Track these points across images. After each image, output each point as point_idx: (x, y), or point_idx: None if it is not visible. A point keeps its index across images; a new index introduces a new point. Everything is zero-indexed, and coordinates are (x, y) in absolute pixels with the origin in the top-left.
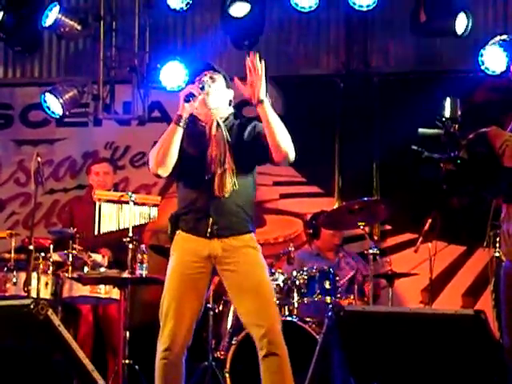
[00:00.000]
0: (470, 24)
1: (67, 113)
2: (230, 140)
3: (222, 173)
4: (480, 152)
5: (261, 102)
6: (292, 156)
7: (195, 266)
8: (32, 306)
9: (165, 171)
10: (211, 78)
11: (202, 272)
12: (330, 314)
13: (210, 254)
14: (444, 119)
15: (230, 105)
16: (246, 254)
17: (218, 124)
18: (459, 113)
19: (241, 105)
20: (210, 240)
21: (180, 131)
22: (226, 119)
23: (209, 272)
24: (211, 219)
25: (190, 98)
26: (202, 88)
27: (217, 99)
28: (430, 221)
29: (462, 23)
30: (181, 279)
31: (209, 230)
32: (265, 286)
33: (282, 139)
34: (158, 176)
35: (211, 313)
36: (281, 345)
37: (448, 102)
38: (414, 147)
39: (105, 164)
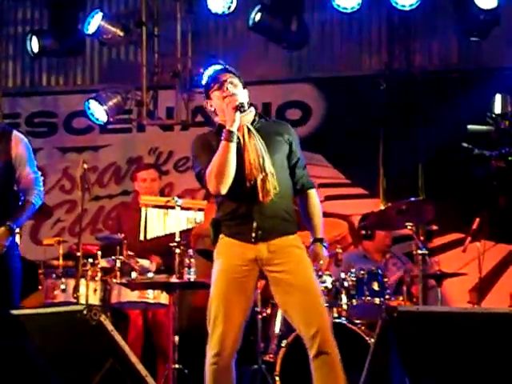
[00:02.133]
0: None
1: (111, 119)
2: (263, 143)
3: (264, 178)
4: None
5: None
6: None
7: (242, 269)
8: (85, 312)
9: (226, 189)
10: (231, 82)
11: (249, 275)
12: (383, 315)
13: (256, 256)
14: (494, 115)
15: (248, 104)
16: (291, 253)
17: (249, 129)
18: (510, 109)
19: None
20: (255, 244)
21: (234, 147)
22: (253, 122)
23: (255, 274)
24: (255, 224)
25: (243, 107)
26: (234, 92)
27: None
28: (477, 220)
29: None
30: (228, 283)
31: (253, 234)
32: (313, 285)
33: None
34: (219, 194)
35: (259, 316)
36: (332, 343)
37: (498, 99)
38: (465, 144)
39: (151, 170)
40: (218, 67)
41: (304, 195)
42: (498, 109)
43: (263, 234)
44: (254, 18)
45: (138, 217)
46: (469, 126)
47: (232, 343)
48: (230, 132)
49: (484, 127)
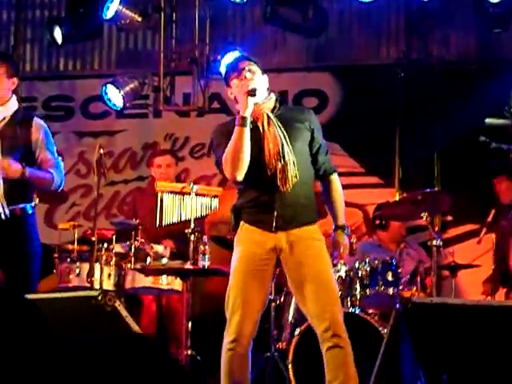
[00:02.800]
0: None
1: (127, 104)
2: (283, 131)
3: (283, 166)
4: None
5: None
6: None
7: (261, 257)
8: (100, 298)
9: (243, 175)
10: (249, 70)
11: (268, 264)
12: (397, 306)
13: (276, 245)
14: None
15: (268, 91)
16: (310, 245)
17: (268, 117)
18: None
19: None
20: (275, 233)
21: (248, 132)
22: (274, 108)
23: (274, 263)
24: (276, 212)
25: (255, 92)
26: (250, 77)
27: (261, 91)
28: (493, 211)
29: None
30: (247, 271)
31: (274, 223)
32: (329, 279)
33: None
34: (236, 181)
35: (273, 304)
36: (344, 337)
37: None
38: (482, 138)
39: (167, 156)
40: (237, 55)
41: (326, 180)
42: None
43: (283, 223)
44: (269, 11)
45: (154, 202)
46: (487, 120)
47: (249, 331)
48: (243, 118)
49: (502, 121)
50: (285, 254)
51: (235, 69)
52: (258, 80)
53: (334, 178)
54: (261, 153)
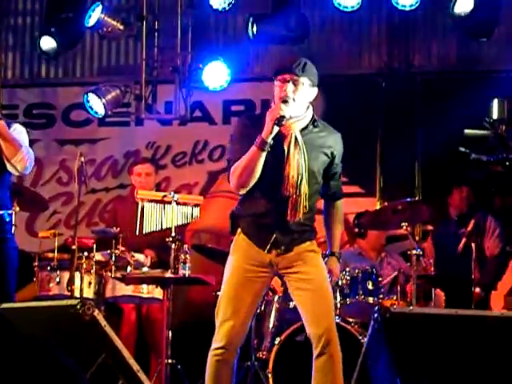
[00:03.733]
0: None
1: (109, 113)
2: (306, 160)
3: (297, 197)
4: None
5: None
6: None
7: (256, 269)
8: (79, 307)
9: (246, 190)
10: (294, 83)
11: (262, 276)
12: (376, 315)
13: (271, 261)
14: (492, 120)
15: (310, 104)
16: (306, 256)
17: (296, 140)
18: (506, 114)
19: None
20: (269, 253)
21: (263, 155)
22: (305, 128)
23: (269, 277)
24: (274, 236)
25: (281, 121)
26: (285, 102)
27: (298, 108)
28: (473, 221)
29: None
30: (240, 281)
31: (268, 246)
32: (326, 288)
33: None
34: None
35: None
36: (336, 346)
37: (496, 104)
38: (462, 149)
39: (147, 165)
40: (293, 62)
41: (331, 204)
42: (495, 114)
43: (278, 247)
44: (253, 32)
45: (134, 211)
46: (466, 131)
47: (238, 340)
48: (264, 141)
49: (481, 132)
50: (282, 268)
51: (281, 74)
52: (300, 95)
53: (339, 203)
54: (280, 175)
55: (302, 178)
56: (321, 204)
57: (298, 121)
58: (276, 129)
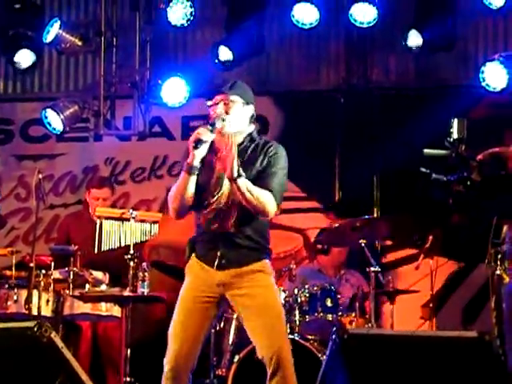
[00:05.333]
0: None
1: (68, 128)
2: (239, 173)
3: (228, 208)
4: (495, 174)
5: (234, 180)
6: (271, 214)
7: (205, 291)
8: (35, 329)
9: (183, 215)
10: (225, 103)
11: (212, 300)
12: (333, 337)
13: (219, 281)
14: (452, 140)
15: (250, 121)
16: (255, 277)
17: None
18: (466, 133)
19: None
20: (217, 271)
21: (193, 179)
22: (241, 144)
23: (218, 300)
24: (219, 252)
25: (198, 144)
26: (213, 125)
27: (232, 125)
28: (431, 237)
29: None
30: (190, 303)
31: (216, 262)
32: (274, 308)
33: (259, 206)
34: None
35: (212, 330)
36: (288, 366)
37: (455, 123)
38: (423, 169)
39: (105, 190)
40: (223, 83)
41: None
42: (455, 133)
43: (226, 263)
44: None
45: (90, 228)
46: (425, 150)
47: (186, 361)
48: (190, 165)
49: (440, 151)
50: (230, 288)
51: (211, 99)
52: (233, 113)
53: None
54: (215, 190)
55: (230, 191)
56: (277, 219)
57: (234, 137)
58: (197, 152)
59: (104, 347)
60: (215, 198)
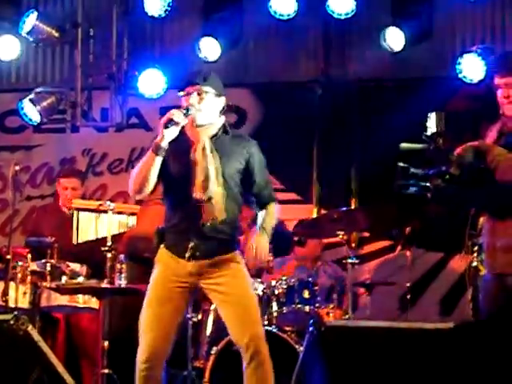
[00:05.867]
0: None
1: (45, 120)
2: (217, 162)
3: (207, 201)
4: (474, 167)
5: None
6: None
7: (176, 280)
8: (12, 322)
9: (142, 196)
10: (199, 93)
11: (183, 287)
12: (311, 329)
13: (191, 271)
14: (430, 134)
15: (221, 113)
16: (227, 267)
17: (204, 147)
18: (444, 127)
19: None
20: (188, 261)
21: (159, 160)
22: (214, 136)
23: (190, 287)
24: (191, 244)
25: (169, 124)
26: (187, 111)
27: (205, 117)
28: (408, 228)
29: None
30: (161, 292)
31: (187, 254)
32: (248, 298)
33: None
34: (133, 197)
35: (190, 322)
36: (264, 354)
37: (433, 117)
38: (401, 164)
39: (73, 179)
40: (195, 71)
41: (263, 209)
42: (433, 127)
43: (198, 255)
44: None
45: (60, 219)
46: (401, 144)
47: (160, 351)
48: (157, 145)
49: (417, 145)
50: (202, 278)
51: (185, 88)
52: (205, 104)
53: (270, 207)
54: (188, 180)
55: (210, 183)
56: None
57: (207, 128)
58: (166, 133)
59: (78, 339)
60: (189, 191)
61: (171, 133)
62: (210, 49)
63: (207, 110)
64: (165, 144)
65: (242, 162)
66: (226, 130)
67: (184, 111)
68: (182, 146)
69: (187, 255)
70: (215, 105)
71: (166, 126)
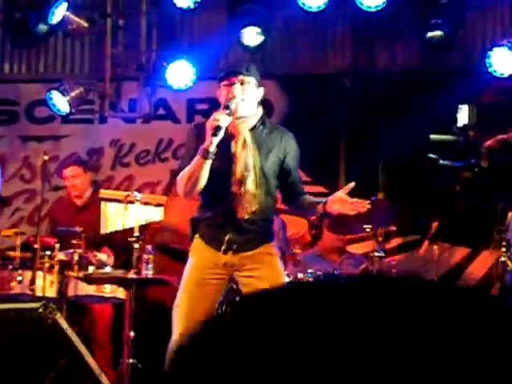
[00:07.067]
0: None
1: (73, 110)
2: (256, 154)
3: (244, 195)
4: (504, 160)
5: None
6: None
7: (212, 271)
8: (41, 310)
9: (193, 197)
10: (242, 83)
11: (219, 278)
12: None
13: (227, 263)
14: (462, 126)
15: (259, 104)
16: (263, 259)
17: (245, 140)
18: (475, 119)
19: None
20: (224, 254)
21: (208, 164)
22: (254, 128)
23: (225, 279)
24: (228, 236)
25: (217, 132)
26: (228, 108)
27: (247, 107)
28: (436, 223)
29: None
30: (196, 283)
31: (223, 247)
32: None
33: None
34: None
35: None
36: None
37: (465, 109)
38: (431, 155)
39: (71, 168)
40: (237, 64)
41: (299, 199)
42: (465, 119)
43: (234, 248)
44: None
45: (73, 211)
46: (431, 136)
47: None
48: (206, 150)
49: (447, 136)
50: (237, 270)
51: (227, 79)
52: (249, 94)
53: (306, 197)
54: (227, 172)
55: (247, 176)
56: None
57: (247, 120)
58: (216, 139)
59: (87, 324)
60: (228, 183)
61: (219, 137)
62: (251, 37)
63: (249, 100)
64: (213, 149)
65: (279, 155)
66: (264, 122)
67: (227, 111)
68: (222, 138)
69: (223, 248)
70: (256, 95)
71: (214, 134)
